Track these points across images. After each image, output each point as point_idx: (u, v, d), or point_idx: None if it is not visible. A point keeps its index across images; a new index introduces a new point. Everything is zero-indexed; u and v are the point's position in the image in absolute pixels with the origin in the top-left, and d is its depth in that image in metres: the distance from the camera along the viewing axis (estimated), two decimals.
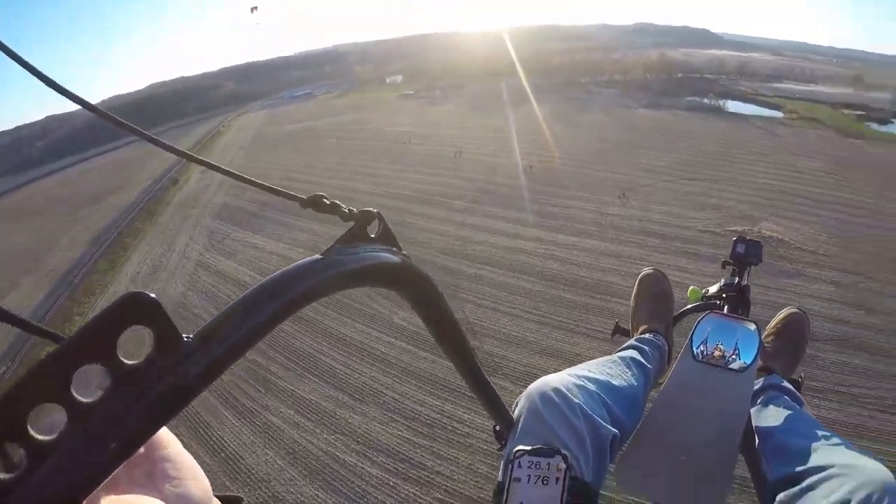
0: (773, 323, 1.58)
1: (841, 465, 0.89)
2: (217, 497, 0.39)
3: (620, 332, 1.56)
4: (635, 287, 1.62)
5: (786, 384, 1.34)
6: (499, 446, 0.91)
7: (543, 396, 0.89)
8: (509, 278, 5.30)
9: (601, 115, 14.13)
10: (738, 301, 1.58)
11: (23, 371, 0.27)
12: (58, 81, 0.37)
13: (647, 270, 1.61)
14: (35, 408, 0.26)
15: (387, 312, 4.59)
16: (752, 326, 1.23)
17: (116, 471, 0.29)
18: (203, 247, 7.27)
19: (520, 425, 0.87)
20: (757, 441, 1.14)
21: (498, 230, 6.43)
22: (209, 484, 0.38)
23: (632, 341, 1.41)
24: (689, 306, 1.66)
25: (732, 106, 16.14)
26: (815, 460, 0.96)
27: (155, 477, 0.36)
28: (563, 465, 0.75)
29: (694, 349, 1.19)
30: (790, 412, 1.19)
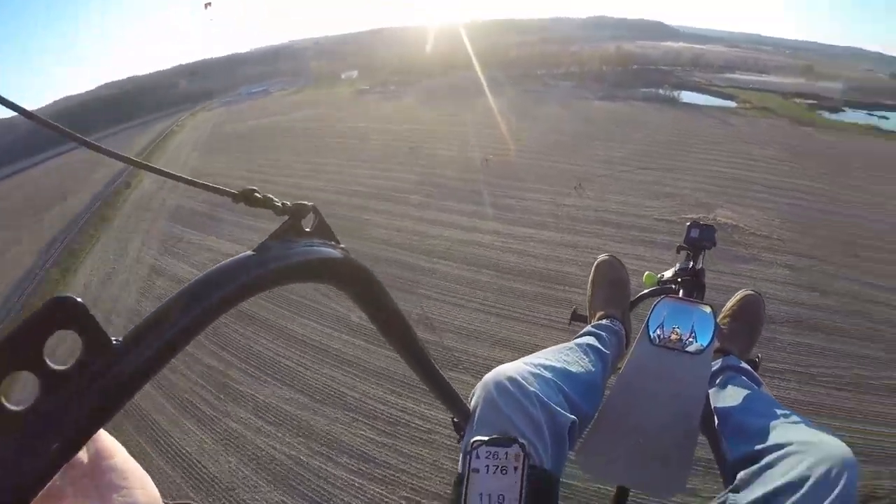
0: (728, 305, 1.67)
1: (800, 443, 0.92)
2: None
3: (578, 319, 1.66)
4: (591, 274, 1.72)
5: (743, 365, 1.39)
6: (458, 438, 0.98)
7: (499, 386, 0.92)
8: (467, 272, 5.28)
9: (557, 108, 14.22)
10: (693, 285, 1.68)
11: None
12: None
13: (602, 257, 1.73)
14: None
15: (344, 311, 4.54)
16: (708, 309, 1.28)
17: (62, 485, 0.32)
18: (157, 251, 7.11)
19: (476, 416, 0.90)
20: (716, 421, 1.19)
21: (455, 224, 6.41)
22: (158, 493, 0.39)
23: (589, 328, 1.47)
24: (645, 291, 1.75)
25: (687, 96, 16.34)
26: (773, 438, 0.98)
27: (102, 488, 0.35)
28: (520, 454, 0.77)
29: (650, 333, 1.25)
30: (748, 392, 1.24)
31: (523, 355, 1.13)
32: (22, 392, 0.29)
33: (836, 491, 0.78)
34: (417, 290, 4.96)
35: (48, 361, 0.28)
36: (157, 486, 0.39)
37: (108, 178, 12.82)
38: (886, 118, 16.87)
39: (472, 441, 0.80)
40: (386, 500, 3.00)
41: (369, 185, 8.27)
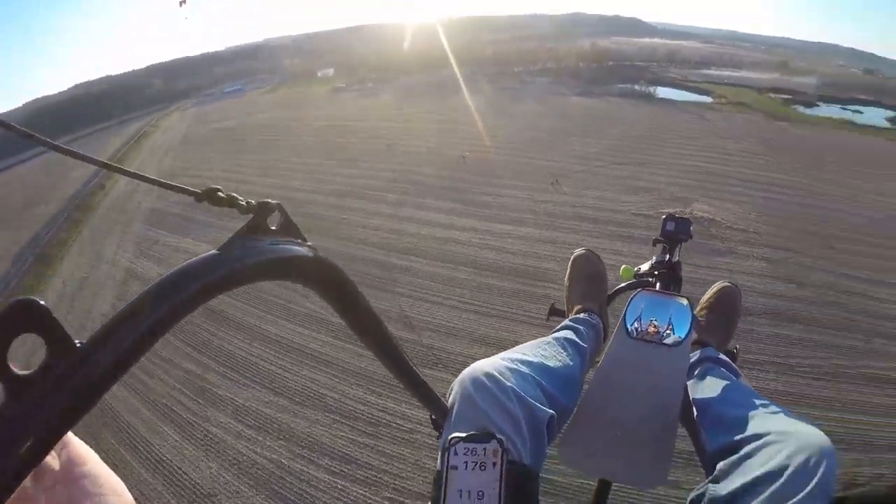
0: (705, 297, 1.64)
1: (778, 432, 0.92)
2: None
3: (555, 314, 1.63)
4: (568, 268, 1.68)
5: (721, 356, 1.39)
6: (437, 436, 0.97)
7: (475, 382, 0.91)
8: (445, 269, 5.26)
9: (534, 104, 14.25)
10: (669, 277, 1.67)
11: None
12: None
13: (579, 251, 1.70)
14: None
15: (323, 312, 4.49)
16: (685, 301, 1.29)
17: (35, 492, 0.32)
18: (132, 254, 7.02)
19: (454, 413, 0.89)
20: (695, 412, 1.19)
21: (432, 221, 6.39)
22: (132, 498, 0.39)
23: (566, 322, 1.44)
24: (622, 285, 1.72)
25: (663, 92, 16.45)
26: (752, 428, 0.98)
27: (75, 495, 0.36)
28: (499, 450, 0.75)
29: (628, 326, 1.25)
30: (727, 383, 1.23)
31: (502, 352, 1.12)
32: None
33: (815, 479, 0.79)
34: (395, 288, 4.93)
35: (12, 367, 0.29)
36: (131, 492, 0.39)
37: (86, 177, 12.65)
38: (860, 112, 17.16)
39: (449, 438, 0.78)
40: (369, 501, 2.98)
41: (346, 184, 8.21)
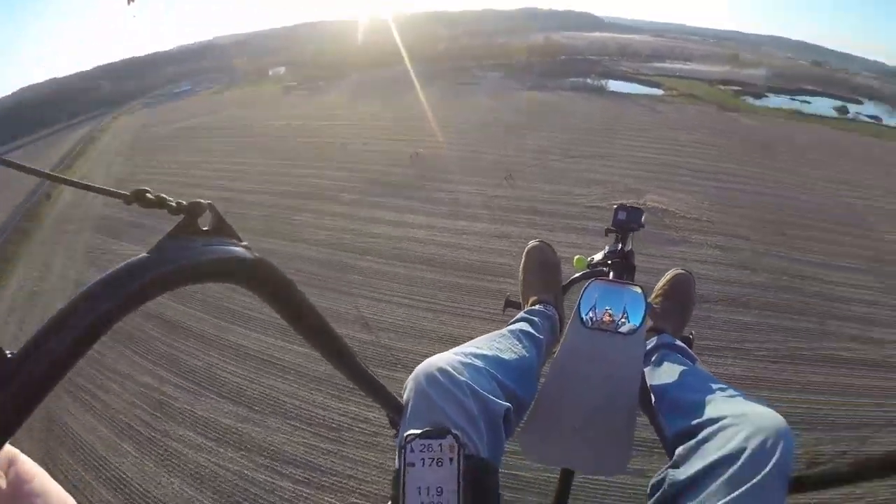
0: (659, 285, 1.67)
1: (734, 416, 0.93)
2: None
3: (511, 306, 1.66)
4: (522, 260, 1.72)
5: (678, 342, 1.41)
6: (394, 434, 0.96)
7: (429, 377, 0.92)
8: (401, 268, 5.20)
9: (487, 99, 14.28)
10: (623, 266, 1.72)
11: None
12: None
13: (533, 243, 1.74)
14: None
15: (278, 316, 4.41)
16: (638, 289, 1.30)
17: None
18: (82, 265, 6.79)
19: (408, 410, 0.90)
20: (653, 399, 1.20)
21: (387, 220, 6.33)
22: None
23: (522, 314, 1.47)
24: (576, 275, 1.75)
25: (614, 85, 16.62)
26: (709, 412, 0.99)
27: None
28: (455, 445, 0.77)
29: (583, 316, 1.25)
30: (683, 368, 1.25)
31: (456, 346, 1.11)
32: None
33: (773, 460, 0.79)
34: (351, 289, 4.85)
35: None
36: None
37: (28, 190, 12.24)
38: (808, 102, 17.67)
39: (405, 435, 0.79)
40: None
41: (300, 184, 8.09)
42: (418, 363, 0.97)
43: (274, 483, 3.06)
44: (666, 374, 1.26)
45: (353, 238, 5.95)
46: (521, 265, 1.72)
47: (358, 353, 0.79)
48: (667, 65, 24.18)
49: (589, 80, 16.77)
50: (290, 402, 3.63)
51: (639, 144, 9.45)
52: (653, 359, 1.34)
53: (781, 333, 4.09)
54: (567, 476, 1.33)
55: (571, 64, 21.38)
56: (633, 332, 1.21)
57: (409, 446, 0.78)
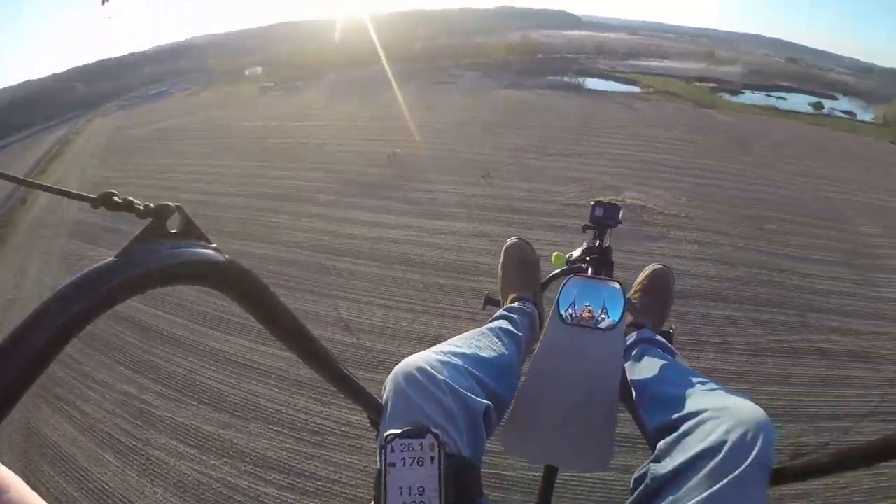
0: (638, 280, 1.72)
1: (714, 409, 0.93)
2: None
3: (491, 304, 1.69)
4: (501, 257, 1.75)
5: (657, 337, 1.44)
6: (375, 435, 0.97)
7: (407, 377, 0.92)
8: (380, 269, 5.17)
9: (464, 98, 14.29)
10: (601, 262, 1.73)
11: None
12: None
13: (511, 240, 1.77)
14: None
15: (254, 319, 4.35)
16: (617, 285, 1.30)
17: None
18: (59, 271, 6.68)
19: (388, 410, 0.90)
20: (634, 394, 1.23)
21: (365, 221, 6.29)
22: None
23: (501, 311, 1.48)
24: (555, 271, 1.78)
25: (592, 83, 16.70)
26: (689, 406, 1.00)
27: None
28: (435, 444, 0.77)
29: (562, 313, 1.25)
30: (664, 362, 1.28)
31: (435, 345, 1.12)
32: None
33: (754, 452, 0.80)
34: (331, 291, 4.81)
35: None
36: None
37: (7, 192, 12.04)
38: (784, 99, 17.89)
39: (385, 435, 0.80)
40: None
41: (276, 186, 8.01)
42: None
43: (258, 489, 3.02)
44: (646, 368, 1.27)
45: (331, 239, 5.90)
46: (500, 263, 1.74)
47: (339, 355, 0.78)
48: (643, 62, 24.34)
49: (566, 79, 16.81)
50: (272, 407, 3.59)
51: (616, 142, 9.48)
52: (633, 354, 1.36)
53: (761, 327, 4.12)
54: (550, 473, 1.31)
55: (548, 62, 21.43)
56: (612, 327, 1.21)
57: (389, 446, 0.78)
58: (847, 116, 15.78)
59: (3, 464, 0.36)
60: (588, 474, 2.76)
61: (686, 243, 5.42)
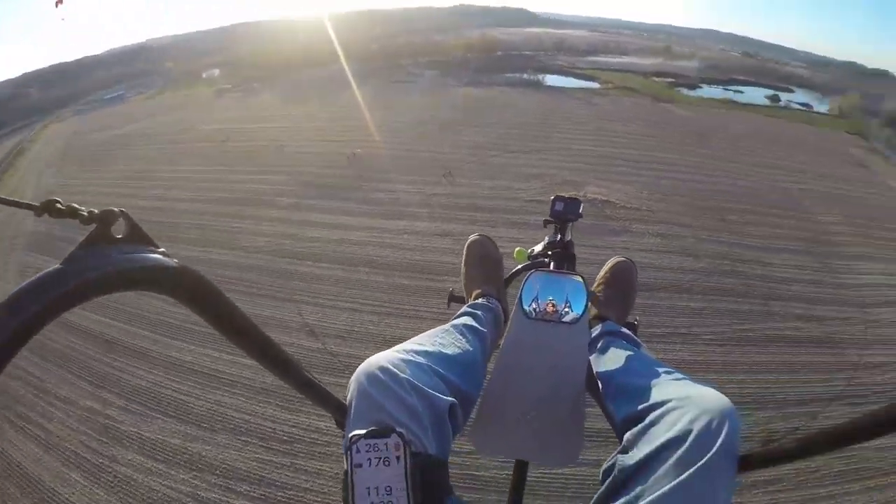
0: (601, 273, 1.71)
1: (679, 398, 0.93)
2: None
3: (455, 301, 1.70)
4: (464, 254, 1.76)
5: (622, 329, 1.45)
6: (342, 436, 0.94)
7: (370, 377, 0.93)
8: (344, 272, 5.12)
9: (423, 97, 14.27)
10: (563, 256, 1.76)
11: None
12: None
13: (473, 237, 1.79)
14: None
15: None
16: (578, 278, 1.32)
17: None
18: (15, 286, 6.51)
19: (352, 411, 0.90)
20: (600, 386, 1.22)
21: (327, 223, 6.22)
22: None
23: (465, 308, 1.48)
24: (518, 267, 1.80)
25: (551, 80, 16.76)
26: (655, 396, 1.00)
27: None
28: (400, 443, 0.78)
29: (525, 307, 1.26)
30: (629, 354, 1.28)
31: (398, 344, 1.12)
32: None
33: (719, 441, 0.80)
34: (294, 296, 4.74)
35: None
36: None
37: None
38: (741, 92, 18.18)
39: (350, 436, 0.80)
40: None
41: (235, 190, 7.88)
42: None
43: (229, 502, 2.96)
44: (611, 360, 1.28)
45: (293, 243, 5.83)
46: (463, 259, 1.75)
47: (305, 361, 0.75)
48: (602, 58, 24.51)
49: (525, 76, 16.87)
50: (239, 417, 3.52)
51: (576, 137, 9.55)
52: (598, 346, 1.36)
53: (727, 317, 4.19)
54: (521, 468, 1.30)
55: (507, 60, 21.49)
56: (576, 321, 1.23)
57: (354, 447, 0.78)
58: (803, 108, 16.13)
59: None
60: (561, 471, 2.77)
61: (649, 236, 5.47)
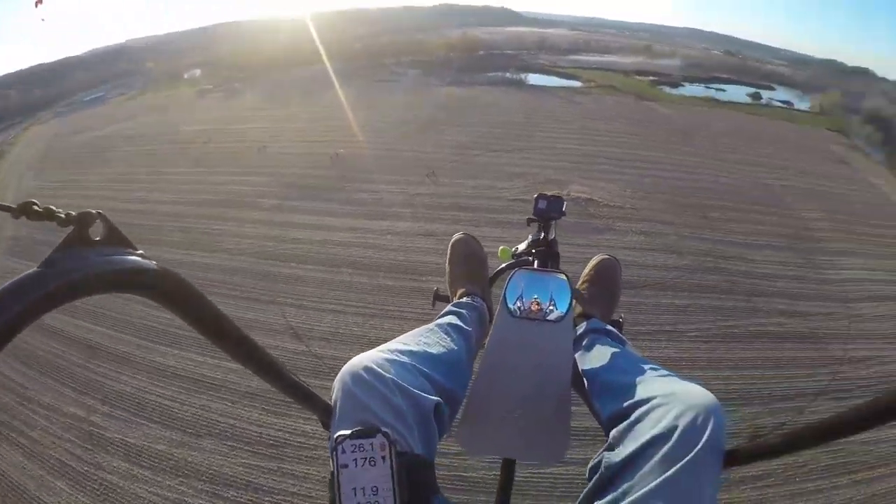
0: (586, 271, 1.70)
1: (664, 395, 0.93)
2: None
3: (440, 300, 1.67)
4: (448, 253, 1.74)
5: (607, 326, 1.43)
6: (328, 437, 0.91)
7: (355, 377, 0.92)
8: (327, 273, 5.09)
9: (406, 96, 14.26)
10: (546, 255, 1.72)
11: None
12: None
13: (457, 236, 1.77)
14: None
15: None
16: (562, 276, 1.31)
17: None
18: None
19: (337, 411, 0.90)
20: (585, 383, 1.21)
21: (310, 224, 6.19)
22: None
23: (449, 307, 1.47)
24: (502, 265, 1.79)
25: (533, 79, 16.78)
26: (640, 393, 1.00)
27: None
28: (385, 443, 0.77)
29: (510, 306, 1.25)
30: (614, 351, 1.26)
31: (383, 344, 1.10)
32: None
33: (705, 436, 0.80)
34: (277, 298, 4.70)
35: None
36: None
37: None
38: (723, 90, 18.37)
39: (335, 437, 0.79)
40: None
41: (218, 192, 7.80)
42: None
43: None
44: (596, 357, 1.26)
45: (276, 245, 5.79)
46: (447, 258, 1.73)
47: (289, 364, 0.74)
48: (584, 57, 24.66)
49: (508, 75, 16.88)
50: (225, 422, 3.49)
51: (559, 136, 9.57)
52: (583, 344, 1.34)
53: (712, 313, 4.21)
54: (508, 467, 1.29)
55: (490, 59, 21.52)
56: (560, 319, 1.22)
57: (340, 448, 0.77)
58: (785, 106, 16.30)
59: None
60: (549, 471, 2.77)
61: (632, 234, 5.50)
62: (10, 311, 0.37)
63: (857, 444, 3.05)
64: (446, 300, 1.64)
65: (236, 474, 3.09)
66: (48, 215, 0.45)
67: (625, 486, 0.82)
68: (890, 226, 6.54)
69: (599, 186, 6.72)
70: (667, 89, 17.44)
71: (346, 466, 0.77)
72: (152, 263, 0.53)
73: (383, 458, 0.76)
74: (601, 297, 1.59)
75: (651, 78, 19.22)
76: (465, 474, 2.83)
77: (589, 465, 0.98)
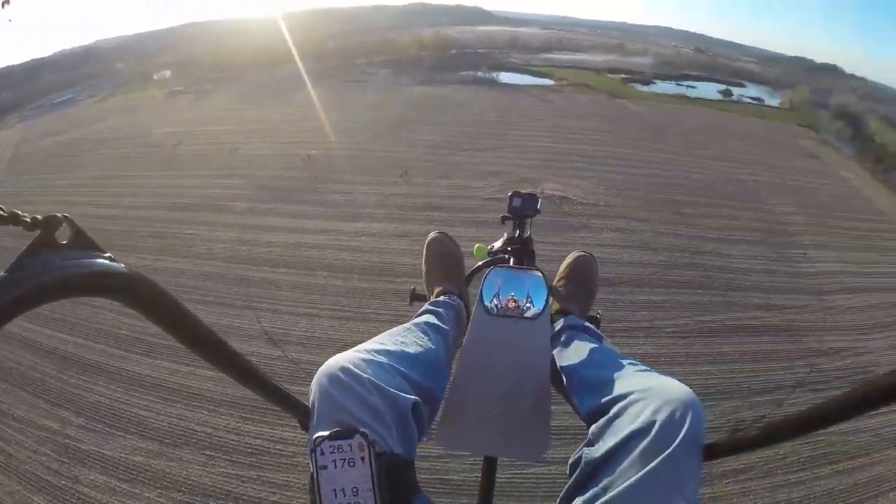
0: (562, 268, 1.72)
1: (642, 390, 0.95)
2: None
3: (418, 299, 1.67)
4: (424, 252, 1.75)
5: (584, 322, 1.45)
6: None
7: (331, 378, 0.92)
8: (302, 277, 5.04)
9: (378, 96, 14.22)
10: (522, 252, 1.75)
11: None
12: None
13: (432, 235, 1.78)
14: None
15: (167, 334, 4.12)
16: (539, 273, 1.34)
17: None
18: None
19: (314, 413, 0.90)
20: (564, 379, 1.23)
21: (283, 227, 6.12)
22: None
23: (426, 306, 1.48)
24: (479, 263, 1.79)
25: (506, 77, 16.84)
26: (618, 389, 1.02)
27: None
28: (364, 444, 0.77)
29: (486, 304, 1.28)
30: (591, 347, 1.28)
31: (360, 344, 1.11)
32: None
33: (683, 430, 0.82)
34: (252, 303, 4.63)
35: None
36: None
37: None
38: (694, 87, 18.58)
39: (314, 438, 0.79)
40: None
41: (189, 196, 7.68)
42: None
43: None
44: (574, 353, 1.27)
45: (249, 249, 5.71)
46: (423, 258, 1.74)
47: (265, 370, 0.73)
48: (557, 55, 24.79)
49: (480, 73, 16.90)
50: (202, 430, 3.42)
51: (532, 134, 9.61)
52: (561, 340, 1.36)
53: (688, 309, 4.25)
54: (491, 463, 1.28)
55: (462, 58, 21.52)
56: (537, 316, 1.24)
57: (318, 449, 0.77)
58: (755, 102, 16.54)
59: None
60: (531, 471, 2.76)
61: (607, 231, 5.53)
62: None
63: (836, 435, 3.10)
64: (423, 299, 1.63)
65: (215, 484, 3.04)
66: (13, 219, 0.44)
67: (605, 480, 0.83)
68: (861, 218, 6.68)
69: (573, 184, 6.75)
70: (638, 87, 17.59)
71: (325, 468, 0.76)
72: (121, 266, 0.53)
73: (362, 458, 0.76)
74: (578, 294, 1.60)
75: (623, 76, 19.38)
76: (446, 477, 2.82)
77: (569, 461, 0.99)
